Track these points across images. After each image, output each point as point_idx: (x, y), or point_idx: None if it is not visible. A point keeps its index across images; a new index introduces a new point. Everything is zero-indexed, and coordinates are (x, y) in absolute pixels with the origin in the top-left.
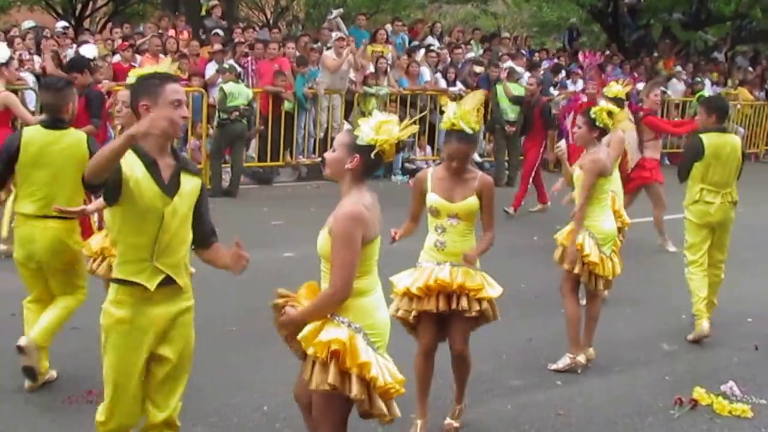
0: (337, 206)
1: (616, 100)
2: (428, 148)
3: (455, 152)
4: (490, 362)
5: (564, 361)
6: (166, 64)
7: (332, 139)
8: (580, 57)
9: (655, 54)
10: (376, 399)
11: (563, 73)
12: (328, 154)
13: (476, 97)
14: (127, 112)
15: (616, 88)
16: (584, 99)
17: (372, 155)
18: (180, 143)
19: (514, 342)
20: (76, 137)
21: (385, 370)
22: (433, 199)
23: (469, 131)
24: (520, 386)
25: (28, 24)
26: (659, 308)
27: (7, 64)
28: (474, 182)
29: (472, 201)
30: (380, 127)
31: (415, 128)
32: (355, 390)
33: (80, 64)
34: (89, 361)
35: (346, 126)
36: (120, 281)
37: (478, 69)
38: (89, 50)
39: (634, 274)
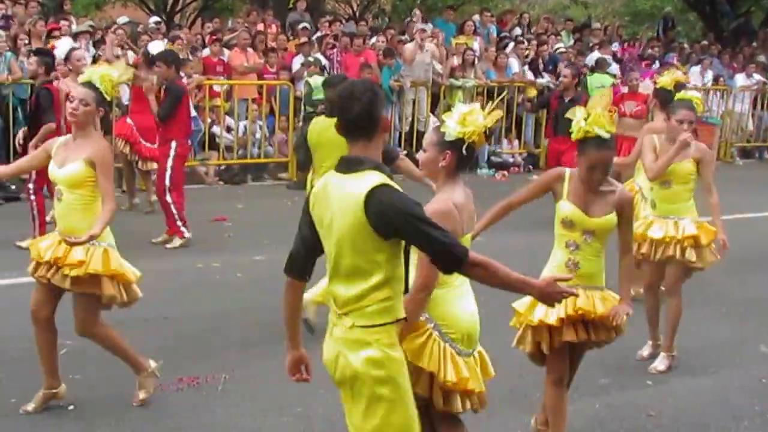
0: (431, 202)
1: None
2: (516, 141)
3: (596, 161)
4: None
5: (664, 363)
6: (120, 67)
7: (418, 132)
8: (618, 51)
9: (754, 44)
10: (446, 395)
11: (657, 64)
12: (420, 155)
13: (604, 98)
14: (85, 110)
15: (667, 78)
16: (624, 90)
17: (463, 149)
18: (267, 137)
19: None
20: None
21: (449, 366)
22: (568, 209)
23: (606, 136)
24: (608, 385)
25: (122, 20)
26: (756, 308)
27: (68, 58)
28: (612, 196)
29: (611, 217)
30: (464, 119)
31: (500, 113)
32: (418, 388)
33: (164, 56)
34: (179, 349)
35: (432, 121)
36: (397, 321)
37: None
38: (156, 46)
39: (731, 273)
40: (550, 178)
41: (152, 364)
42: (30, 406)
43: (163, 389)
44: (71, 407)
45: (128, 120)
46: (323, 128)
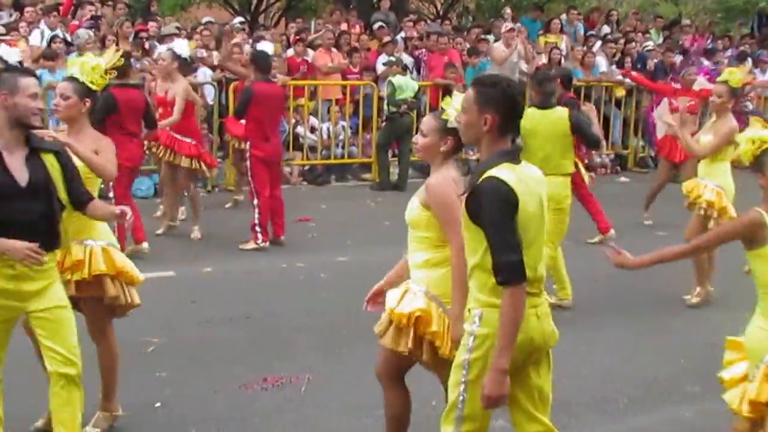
0: (427, 180)
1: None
2: (603, 142)
3: None
4: (667, 367)
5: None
6: (109, 54)
7: None
8: (687, 40)
9: None
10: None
11: (749, 61)
12: (419, 139)
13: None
14: (66, 104)
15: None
16: (677, 86)
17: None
18: (351, 137)
19: (691, 345)
20: (559, 114)
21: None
22: None
23: None
24: (699, 392)
25: (207, 20)
26: None
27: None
28: None
29: None
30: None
31: None
32: (425, 356)
33: (252, 57)
34: (263, 349)
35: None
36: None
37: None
38: (266, 47)
39: None
40: (749, 223)
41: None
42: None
43: (248, 388)
44: (158, 405)
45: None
46: (537, 120)
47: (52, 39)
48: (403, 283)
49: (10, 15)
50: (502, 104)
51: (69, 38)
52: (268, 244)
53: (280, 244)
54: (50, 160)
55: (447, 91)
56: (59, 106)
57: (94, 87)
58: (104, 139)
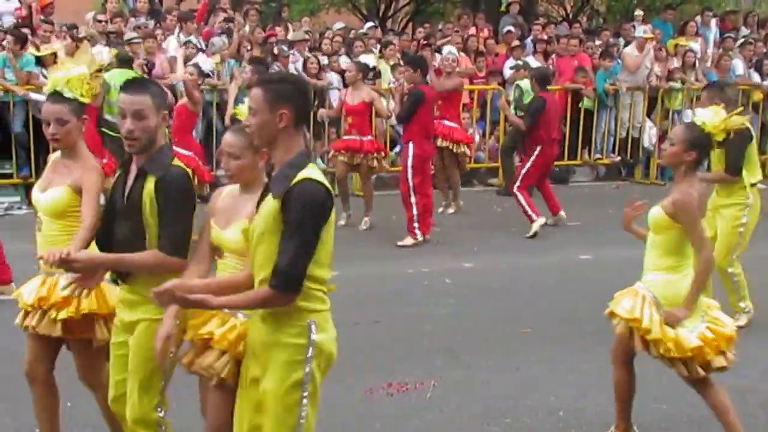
0: (676, 188)
1: None
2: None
3: None
4: None
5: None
6: (85, 58)
7: (632, 138)
8: None
9: None
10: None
11: None
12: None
13: None
14: (64, 129)
15: None
16: None
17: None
18: (477, 142)
19: None
20: None
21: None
22: None
23: None
24: None
25: (338, 26)
26: None
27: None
28: None
29: None
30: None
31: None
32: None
33: (414, 60)
34: (388, 353)
35: (648, 126)
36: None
37: None
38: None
39: None
40: None
41: None
42: None
43: (373, 392)
44: None
45: None
46: None
47: (185, 45)
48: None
49: (147, 22)
50: (296, 98)
51: (201, 44)
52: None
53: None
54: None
55: (576, 95)
56: (58, 134)
57: (85, 100)
58: (93, 166)
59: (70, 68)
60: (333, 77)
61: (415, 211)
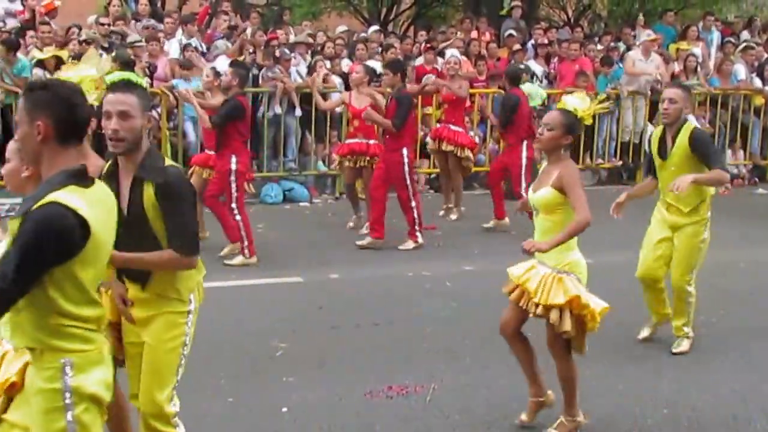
0: (553, 171)
1: None
2: (741, 152)
3: None
4: None
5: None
6: (93, 61)
7: (634, 144)
8: None
9: None
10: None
11: None
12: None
13: None
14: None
15: None
16: None
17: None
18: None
19: None
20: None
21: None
22: None
23: None
24: None
25: (341, 29)
26: None
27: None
28: None
29: None
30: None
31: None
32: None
33: (395, 64)
34: (388, 356)
35: (650, 130)
36: None
37: None
38: (222, 61)
39: None
40: None
41: None
42: (523, 416)
43: (373, 396)
44: (284, 410)
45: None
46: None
47: (185, 48)
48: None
49: (156, 24)
50: (56, 107)
51: (203, 47)
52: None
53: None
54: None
55: None
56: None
57: (95, 103)
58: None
59: (81, 69)
60: (335, 80)
61: (415, 215)
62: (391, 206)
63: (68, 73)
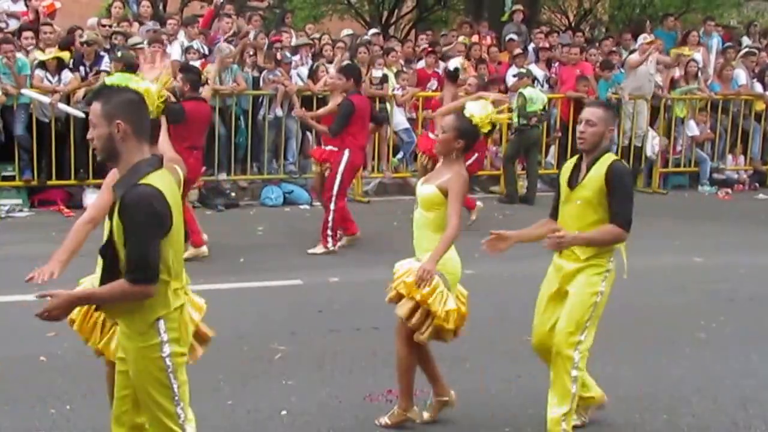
0: (445, 172)
1: None
2: (741, 157)
3: None
4: None
5: None
6: (152, 75)
7: (635, 147)
8: None
9: None
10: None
11: None
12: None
13: None
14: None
15: None
16: None
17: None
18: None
19: None
20: None
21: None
22: None
23: None
24: None
25: (346, 32)
26: None
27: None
28: None
29: None
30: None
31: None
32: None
33: (348, 69)
34: (390, 360)
35: (651, 135)
36: None
37: None
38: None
39: None
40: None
41: None
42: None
43: (372, 400)
44: (284, 412)
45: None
46: None
47: (188, 50)
48: None
49: (154, 27)
50: (132, 109)
51: (205, 50)
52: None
53: None
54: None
55: (579, 104)
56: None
57: (153, 116)
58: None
59: (141, 83)
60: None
61: (330, 218)
62: (387, 209)
63: (139, 85)
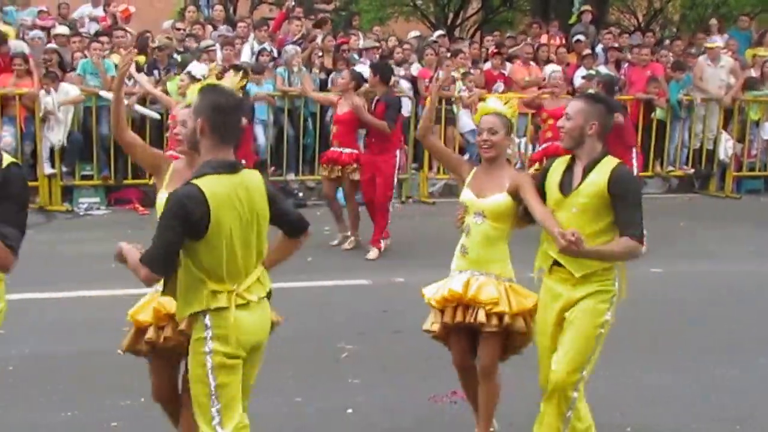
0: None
1: None
2: None
3: None
4: None
5: None
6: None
7: (707, 151)
8: None
9: None
10: None
11: None
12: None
13: None
14: (186, 132)
15: None
16: None
17: None
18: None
19: None
20: None
21: None
22: None
23: None
24: None
25: (413, 34)
26: None
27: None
28: None
29: None
30: None
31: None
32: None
33: (380, 67)
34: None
35: (724, 138)
36: None
37: None
38: (197, 67)
39: None
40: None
41: None
42: None
43: (437, 401)
44: (349, 411)
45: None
46: None
47: (260, 53)
48: None
49: (227, 30)
50: (210, 109)
51: (275, 52)
52: None
53: None
54: None
55: (649, 105)
56: (180, 135)
57: None
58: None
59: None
60: (404, 85)
61: (388, 221)
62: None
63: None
